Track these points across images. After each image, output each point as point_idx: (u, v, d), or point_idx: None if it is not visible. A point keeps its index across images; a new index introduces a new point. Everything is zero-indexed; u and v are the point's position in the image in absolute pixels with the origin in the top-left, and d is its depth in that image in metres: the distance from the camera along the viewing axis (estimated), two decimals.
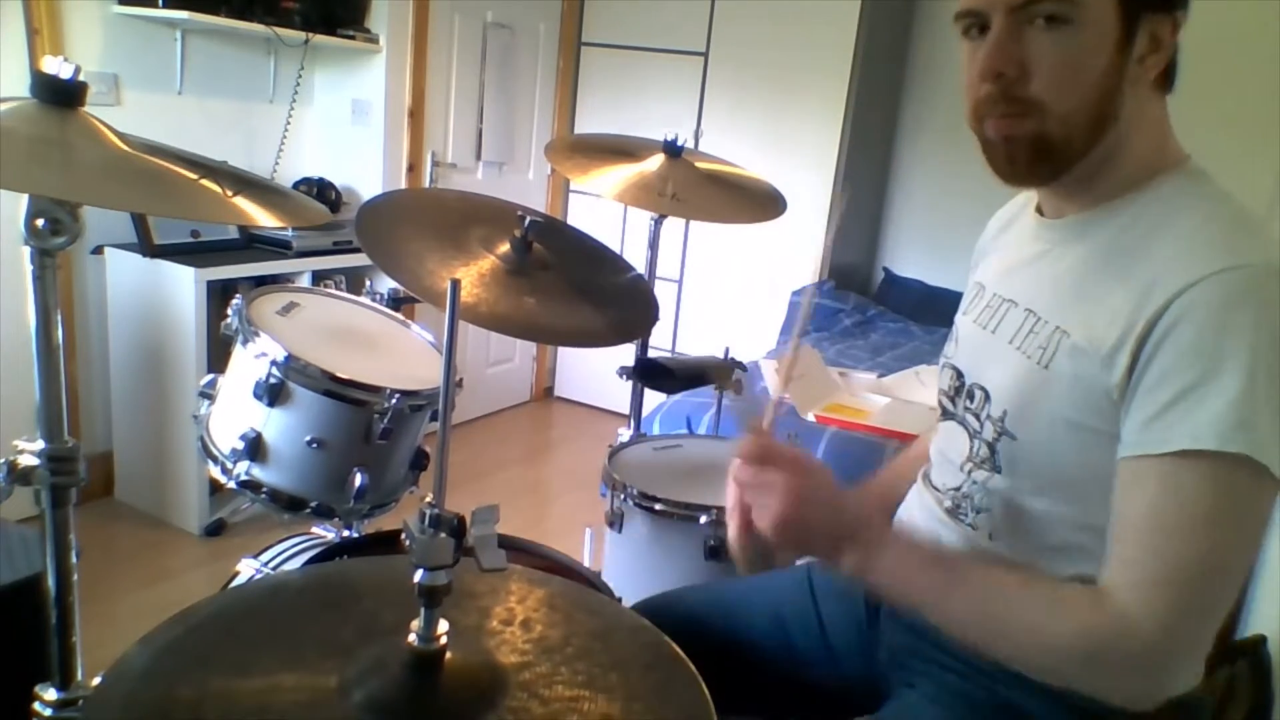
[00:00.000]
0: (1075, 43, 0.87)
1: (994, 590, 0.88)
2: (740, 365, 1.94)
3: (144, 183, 0.95)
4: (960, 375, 1.07)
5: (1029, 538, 0.96)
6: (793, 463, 0.92)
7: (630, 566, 1.66)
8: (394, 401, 1.43)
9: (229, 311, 1.51)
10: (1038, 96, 0.89)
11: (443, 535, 0.67)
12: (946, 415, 1.09)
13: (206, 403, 1.56)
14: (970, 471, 1.02)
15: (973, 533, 1.02)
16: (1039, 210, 1.03)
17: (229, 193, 0.99)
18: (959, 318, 1.13)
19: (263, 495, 1.46)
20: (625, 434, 1.92)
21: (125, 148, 0.97)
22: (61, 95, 0.95)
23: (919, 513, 1.11)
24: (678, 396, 2.59)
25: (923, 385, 2.75)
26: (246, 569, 1.65)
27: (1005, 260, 1.09)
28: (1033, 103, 0.89)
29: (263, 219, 1.02)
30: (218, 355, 2.41)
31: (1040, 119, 0.89)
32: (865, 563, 0.91)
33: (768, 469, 0.92)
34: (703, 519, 1.55)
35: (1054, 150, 0.91)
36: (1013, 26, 0.88)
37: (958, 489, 1.05)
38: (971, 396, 1.03)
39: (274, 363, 1.41)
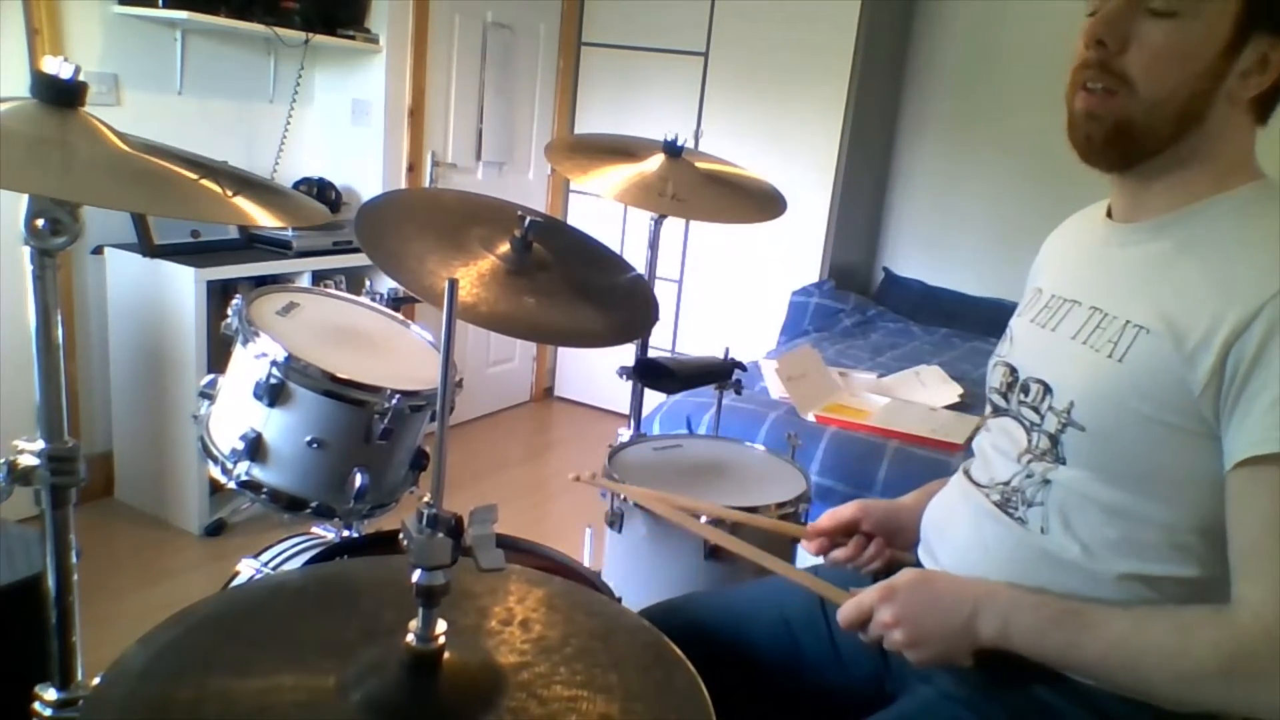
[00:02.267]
0: (1180, 35, 0.90)
1: (1125, 631, 0.90)
2: (740, 365, 1.94)
3: (144, 183, 0.95)
4: (1014, 371, 1.08)
5: (1086, 531, 0.97)
6: (885, 596, 0.98)
7: (630, 566, 1.66)
8: (394, 402, 1.43)
9: (229, 311, 1.51)
10: (1130, 73, 0.92)
11: (440, 535, 0.67)
12: (999, 412, 1.10)
13: (206, 403, 1.56)
14: (1028, 464, 1.03)
15: (1021, 527, 1.02)
16: (1108, 214, 1.05)
17: (229, 193, 0.99)
18: (1014, 320, 1.15)
19: (263, 495, 1.46)
20: (625, 434, 1.92)
21: (125, 148, 0.97)
22: (61, 95, 0.95)
23: (961, 508, 1.11)
24: (678, 396, 2.58)
25: (923, 385, 2.75)
26: (246, 569, 1.65)
27: (1066, 264, 1.11)
28: (1124, 78, 0.92)
29: (263, 219, 1.02)
30: (218, 355, 2.41)
31: (1127, 99, 0.92)
32: (1004, 631, 0.94)
33: (871, 618, 0.99)
34: (703, 519, 1.55)
35: (1133, 136, 0.94)
36: (1128, 6, 0.92)
37: (1007, 483, 1.05)
38: (1026, 390, 1.04)
39: (274, 363, 1.41)
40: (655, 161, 1.85)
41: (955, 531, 1.11)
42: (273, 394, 1.42)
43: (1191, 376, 0.87)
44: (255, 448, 1.44)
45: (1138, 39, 0.91)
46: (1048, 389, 1.01)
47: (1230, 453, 0.86)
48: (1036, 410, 1.02)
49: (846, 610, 1.01)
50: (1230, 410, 0.86)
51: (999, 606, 0.95)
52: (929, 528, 1.17)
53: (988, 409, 1.14)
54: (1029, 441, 1.03)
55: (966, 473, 1.14)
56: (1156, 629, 0.89)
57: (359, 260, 3.06)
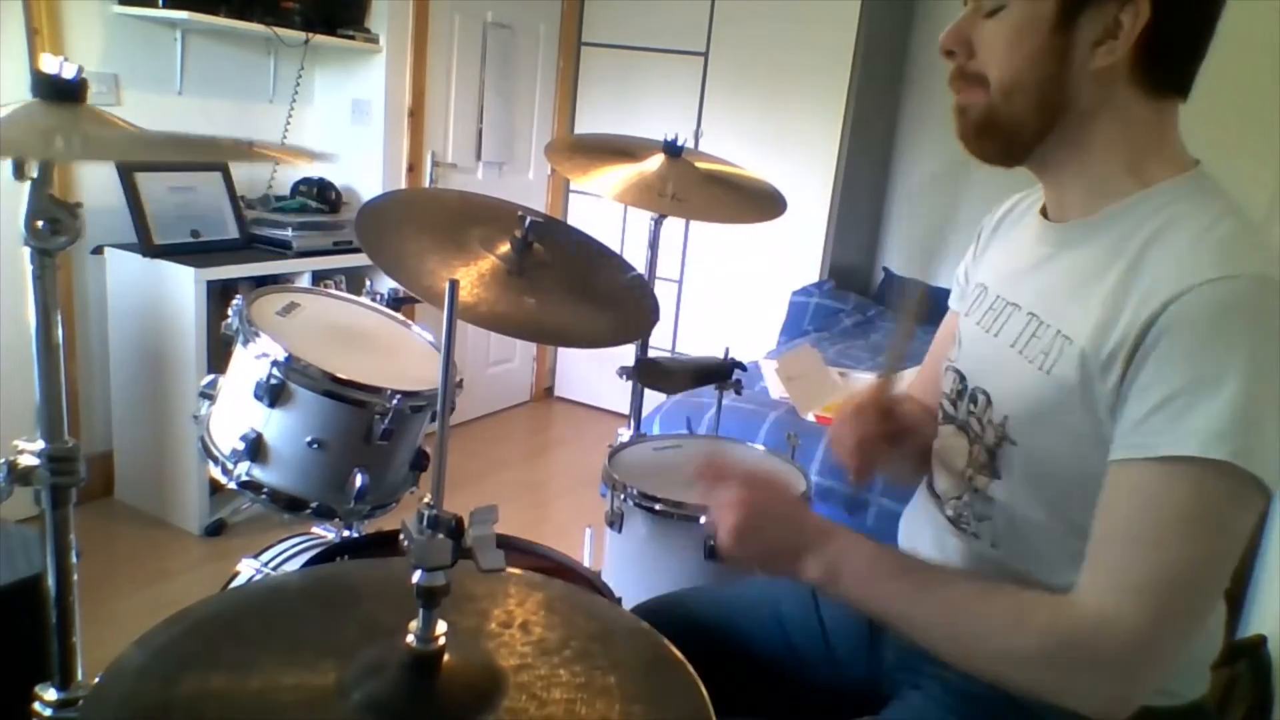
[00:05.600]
0: (1011, 24, 0.91)
1: (959, 599, 0.89)
2: (740, 365, 1.94)
3: (164, 143, 0.95)
4: (963, 379, 1.06)
5: (1030, 545, 0.96)
6: (746, 478, 0.97)
7: (630, 566, 1.66)
8: (394, 402, 1.43)
9: (229, 312, 1.51)
10: (981, 71, 0.94)
11: (441, 536, 0.67)
12: (948, 419, 1.09)
13: (207, 403, 1.56)
14: (971, 478, 1.02)
15: (976, 542, 1.02)
16: (1043, 213, 1.03)
17: (249, 147, 0.99)
18: (961, 319, 1.12)
19: (263, 496, 1.46)
20: (625, 434, 1.92)
21: (134, 130, 0.97)
22: (63, 94, 0.94)
23: (925, 521, 1.11)
24: (678, 396, 2.58)
25: None
26: (246, 569, 1.65)
27: (1009, 261, 1.08)
28: (978, 76, 0.94)
29: (287, 156, 1.02)
30: (218, 355, 2.41)
31: (985, 92, 0.94)
32: (831, 572, 0.92)
33: (721, 484, 0.96)
34: (703, 519, 1.55)
35: (999, 127, 0.94)
36: (973, 11, 0.94)
37: (959, 497, 1.04)
38: (974, 400, 1.03)
39: (274, 363, 1.41)
40: (655, 161, 1.85)
41: (923, 546, 1.10)
42: (273, 394, 1.42)
43: (1103, 389, 0.86)
44: (255, 448, 1.44)
45: (980, 42, 0.93)
46: (989, 400, 1.00)
47: (1112, 448, 0.85)
48: (980, 421, 1.01)
49: (709, 462, 1.00)
50: (1120, 405, 0.85)
51: (831, 549, 0.92)
52: (903, 537, 1.17)
53: (940, 415, 1.12)
54: (970, 454, 1.02)
55: (929, 484, 1.14)
56: (993, 604, 0.88)
57: (359, 260, 3.06)
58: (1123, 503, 0.84)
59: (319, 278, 2.92)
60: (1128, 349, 0.84)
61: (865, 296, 4.00)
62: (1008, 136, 0.94)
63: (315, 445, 1.44)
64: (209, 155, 0.99)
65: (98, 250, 2.77)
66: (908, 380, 1.35)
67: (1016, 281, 1.03)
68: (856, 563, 0.92)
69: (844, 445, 1.16)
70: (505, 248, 1.42)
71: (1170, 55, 0.90)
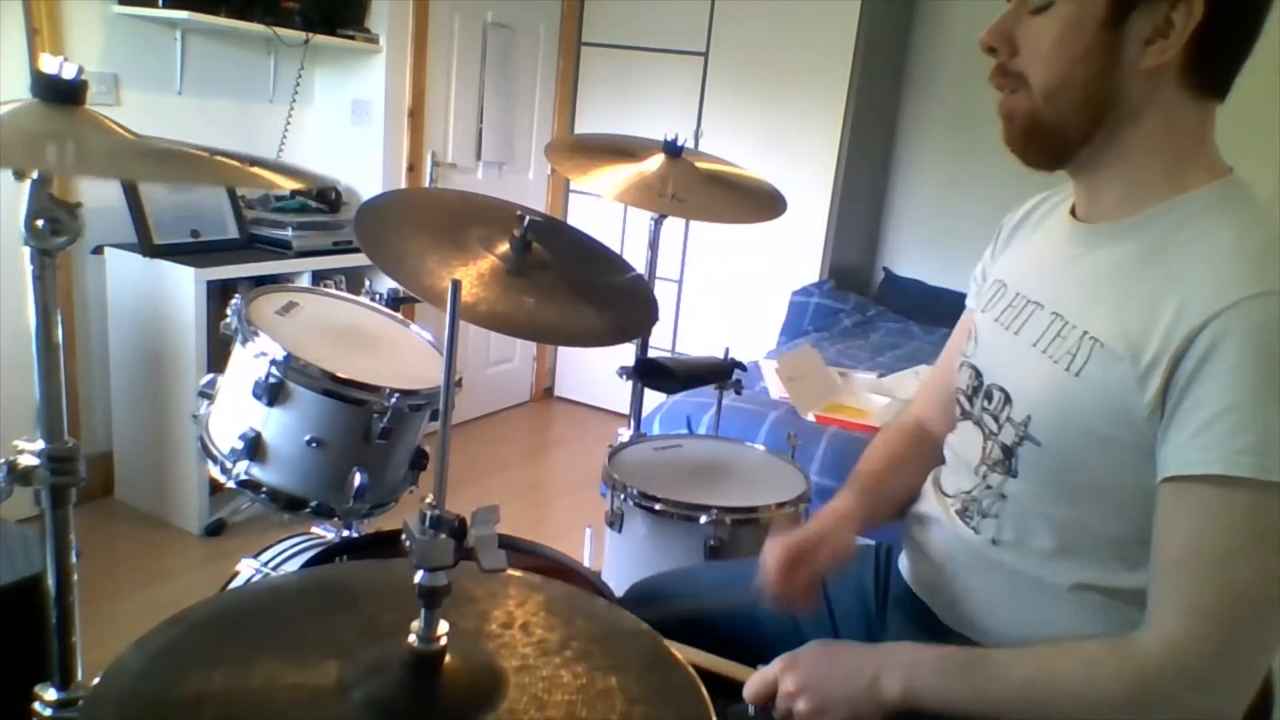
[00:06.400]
0: (1058, 22, 0.90)
1: (1029, 673, 0.89)
2: (740, 365, 1.94)
3: (159, 158, 0.94)
4: (979, 375, 1.06)
5: (1036, 544, 0.96)
6: (787, 665, 0.95)
7: (630, 566, 1.66)
8: (393, 401, 1.43)
9: (228, 311, 1.51)
10: (1024, 71, 0.93)
11: (443, 536, 0.67)
12: (964, 415, 1.09)
13: (206, 402, 1.56)
14: (984, 475, 1.02)
15: (976, 537, 1.01)
16: (1073, 212, 1.02)
17: (245, 164, 0.98)
18: (978, 316, 1.11)
19: (262, 495, 1.46)
20: (625, 434, 1.92)
21: (132, 137, 0.96)
22: (63, 95, 0.94)
23: (932, 516, 1.11)
24: (678, 396, 2.58)
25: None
26: (246, 569, 1.65)
27: (1031, 259, 1.08)
28: (1019, 77, 0.93)
29: (282, 182, 1.01)
30: (217, 355, 2.41)
31: (1029, 95, 0.93)
32: (910, 688, 0.91)
33: (776, 691, 0.95)
34: (703, 519, 1.55)
35: (1045, 130, 0.93)
36: (1018, 6, 0.93)
37: (969, 492, 1.04)
38: (989, 397, 1.02)
39: (273, 362, 1.41)
40: (655, 161, 1.85)
41: (927, 541, 1.10)
42: (272, 393, 1.42)
43: (1141, 398, 0.85)
44: (254, 447, 1.44)
45: (1024, 40, 0.92)
46: (1008, 398, 0.99)
47: (1161, 465, 0.84)
48: (996, 419, 1.00)
49: (752, 683, 0.98)
50: (1167, 421, 0.83)
51: (900, 666, 0.92)
52: (912, 528, 1.16)
53: (957, 411, 1.12)
54: (984, 450, 1.02)
55: (936, 480, 1.14)
56: (1061, 666, 0.87)
57: (359, 260, 3.06)
58: (1180, 525, 0.83)
59: (319, 278, 2.92)
60: (1169, 361, 0.83)
61: (865, 296, 4.00)
62: (1054, 139, 0.94)
63: (314, 444, 1.44)
64: (199, 176, 0.97)
65: (98, 250, 2.77)
66: (921, 377, 1.35)
67: (1039, 280, 1.02)
68: (926, 674, 0.91)
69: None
70: (505, 248, 1.42)
71: (1220, 55, 0.89)
